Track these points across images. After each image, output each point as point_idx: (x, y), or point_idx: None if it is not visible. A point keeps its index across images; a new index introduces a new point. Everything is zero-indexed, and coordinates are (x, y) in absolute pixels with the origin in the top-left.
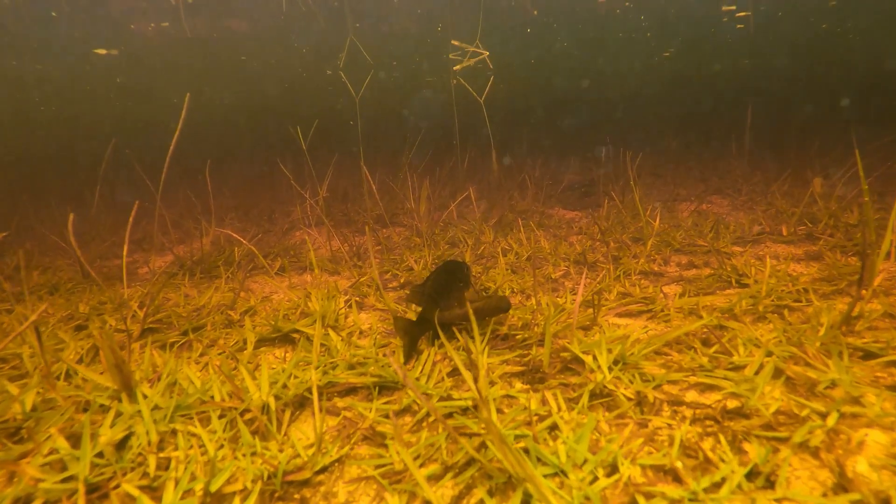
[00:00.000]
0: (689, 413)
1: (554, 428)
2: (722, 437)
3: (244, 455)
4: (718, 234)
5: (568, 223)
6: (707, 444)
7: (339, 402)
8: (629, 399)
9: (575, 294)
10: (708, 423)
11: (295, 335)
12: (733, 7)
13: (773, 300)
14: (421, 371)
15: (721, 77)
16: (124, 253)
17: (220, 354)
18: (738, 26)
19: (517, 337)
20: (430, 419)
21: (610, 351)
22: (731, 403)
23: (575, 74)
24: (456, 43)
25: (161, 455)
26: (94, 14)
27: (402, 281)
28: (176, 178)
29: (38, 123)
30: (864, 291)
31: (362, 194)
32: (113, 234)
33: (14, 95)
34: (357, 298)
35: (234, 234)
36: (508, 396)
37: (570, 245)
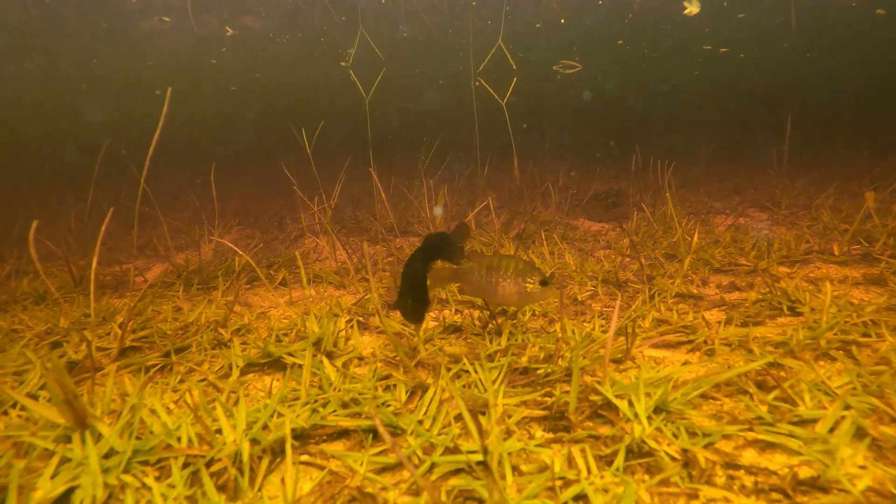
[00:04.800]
0: (748, 481)
1: (583, 497)
2: None
3: None
4: (762, 252)
5: (594, 236)
6: None
7: (328, 448)
8: (674, 459)
9: (605, 319)
10: (775, 496)
11: (288, 360)
12: (709, 46)
13: (836, 334)
14: (425, 412)
15: (762, 82)
16: (94, 262)
17: (200, 382)
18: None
19: (538, 371)
20: (433, 477)
21: (649, 395)
22: (804, 472)
23: (603, 81)
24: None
25: None
26: (102, 6)
27: None
28: (191, 181)
29: (32, 124)
30: None
31: (377, 201)
32: (118, 240)
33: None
34: (360, 318)
35: (230, 244)
36: (525, 451)
37: (597, 261)
